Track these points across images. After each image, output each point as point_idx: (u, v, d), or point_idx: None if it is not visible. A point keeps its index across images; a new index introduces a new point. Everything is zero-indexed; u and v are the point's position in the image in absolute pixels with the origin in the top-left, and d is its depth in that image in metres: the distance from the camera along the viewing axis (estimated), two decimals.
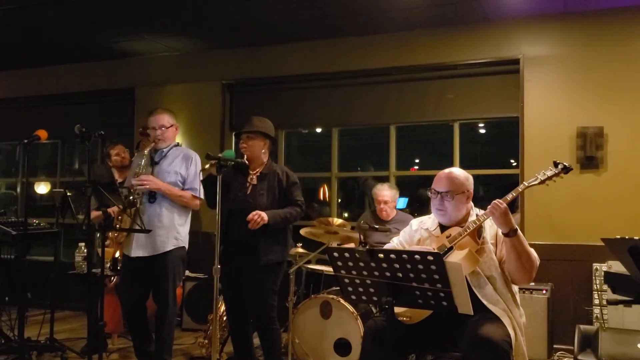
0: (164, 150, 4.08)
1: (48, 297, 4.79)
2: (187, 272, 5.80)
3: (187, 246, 4.10)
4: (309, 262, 4.87)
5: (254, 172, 3.80)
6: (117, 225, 3.86)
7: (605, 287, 4.46)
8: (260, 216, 3.55)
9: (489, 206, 2.66)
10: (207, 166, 3.34)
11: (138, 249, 3.92)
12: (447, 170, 2.94)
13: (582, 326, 4.29)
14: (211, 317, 4.54)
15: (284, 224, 3.70)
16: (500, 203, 2.63)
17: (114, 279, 4.75)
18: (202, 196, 3.98)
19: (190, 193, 4.02)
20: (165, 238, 3.93)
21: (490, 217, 2.69)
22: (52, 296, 4.79)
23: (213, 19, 5.53)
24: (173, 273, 3.96)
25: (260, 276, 3.69)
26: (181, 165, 4.03)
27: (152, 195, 3.94)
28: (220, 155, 3.40)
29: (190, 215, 4.15)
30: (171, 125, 4.09)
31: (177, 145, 4.18)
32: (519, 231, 2.66)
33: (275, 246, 3.71)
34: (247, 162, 3.71)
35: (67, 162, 7.71)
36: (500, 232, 2.78)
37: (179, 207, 4.03)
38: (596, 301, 4.68)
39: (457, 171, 2.95)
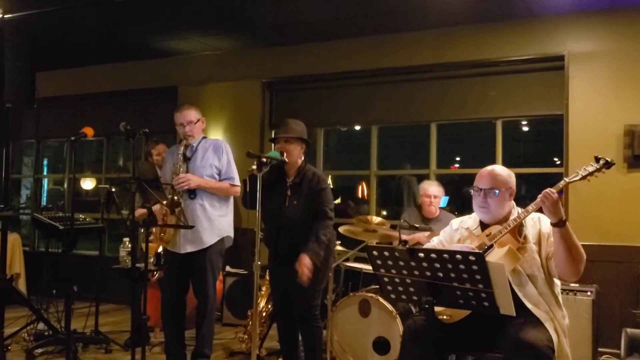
0: (194, 145, 4.13)
1: (93, 290, 4.93)
2: (227, 268, 5.88)
3: (232, 235, 4.18)
4: (347, 259, 4.86)
5: (290, 179, 3.81)
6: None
7: None
8: (307, 271, 3.51)
9: (540, 195, 2.60)
10: (254, 167, 3.35)
11: (187, 245, 3.99)
12: (489, 168, 2.91)
13: (629, 330, 4.16)
14: (251, 313, 4.59)
15: (323, 247, 3.64)
16: (552, 192, 2.57)
17: (157, 274, 4.85)
18: (239, 183, 4.09)
19: (228, 182, 4.09)
20: (210, 231, 4.01)
21: (522, 214, 2.65)
22: (97, 290, 4.92)
23: (254, 18, 5.58)
24: (212, 267, 4.03)
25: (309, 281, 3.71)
26: (214, 157, 4.09)
27: (192, 192, 4.00)
28: (264, 155, 3.43)
29: (231, 204, 4.21)
30: (198, 120, 4.13)
31: (204, 137, 4.22)
32: (567, 222, 2.60)
33: (323, 247, 3.70)
34: (286, 160, 3.72)
35: (112, 159, 7.90)
36: (543, 230, 2.75)
37: (219, 198, 4.10)
38: None
39: (499, 168, 2.91)
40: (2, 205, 4.51)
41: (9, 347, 4.52)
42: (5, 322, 4.41)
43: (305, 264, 3.51)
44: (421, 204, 4.96)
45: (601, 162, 2.66)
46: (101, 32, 6.11)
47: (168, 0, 5.13)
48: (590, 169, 2.67)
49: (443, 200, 5.18)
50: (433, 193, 4.87)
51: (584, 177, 2.67)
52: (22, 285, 6.40)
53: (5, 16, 4.64)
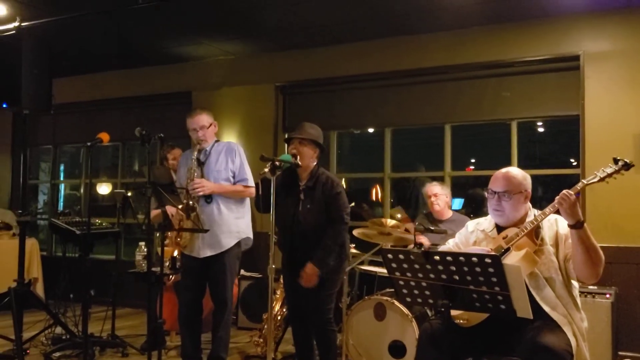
0: (207, 149, 4.15)
1: (110, 294, 4.96)
2: (242, 271, 5.89)
3: (251, 236, 4.20)
4: (362, 263, 4.85)
5: (302, 183, 3.80)
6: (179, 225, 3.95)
7: None
8: (309, 281, 3.65)
9: (557, 197, 2.56)
10: (266, 169, 3.36)
11: (206, 249, 4.00)
12: (504, 170, 2.88)
13: None
14: (266, 316, 4.59)
15: (333, 255, 3.68)
16: (570, 194, 2.53)
17: (173, 278, 4.87)
18: (253, 183, 4.10)
19: (242, 184, 4.10)
20: (228, 234, 4.03)
21: (539, 216, 2.63)
22: (113, 294, 4.95)
23: (266, 23, 5.60)
24: (230, 271, 4.06)
25: (321, 283, 3.72)
26: (227, 159, 4.10)
27: (208, 196, 4.02)
28: (277, 158, 3.42)
29: (247, 205, 4.22)
30: (210, 124, 4.15)
31: (217, 141, 4.24)
32: (585, 224, 2.57)
33: (332, 255, 3.73)
34: (299, 163, 3.71)
35: (128, 164, 7.96)
36: (560, 232, 2.71)
37: (235, 201, 4.11)
38: None
39: (514, 171, 2.88)
40: (20, 211, 4.57)
41: (28, 351, 4.56)
42: (24, 326, 4.47)
43: (308, 273, 3.62)
44: (428, 204, 4.98)
45: (620, 163, 2.61)
46: (116, 38, 6.16)
47: (182, 6, 5.16)
48: (609, 170, 2.62)
49: (458, 203, 5.17)
50: (432, 192, 4.88)
51: (602, 179, 2.62)
52: (39, 290, 6.46)
53: (22, 24, 4.70)
